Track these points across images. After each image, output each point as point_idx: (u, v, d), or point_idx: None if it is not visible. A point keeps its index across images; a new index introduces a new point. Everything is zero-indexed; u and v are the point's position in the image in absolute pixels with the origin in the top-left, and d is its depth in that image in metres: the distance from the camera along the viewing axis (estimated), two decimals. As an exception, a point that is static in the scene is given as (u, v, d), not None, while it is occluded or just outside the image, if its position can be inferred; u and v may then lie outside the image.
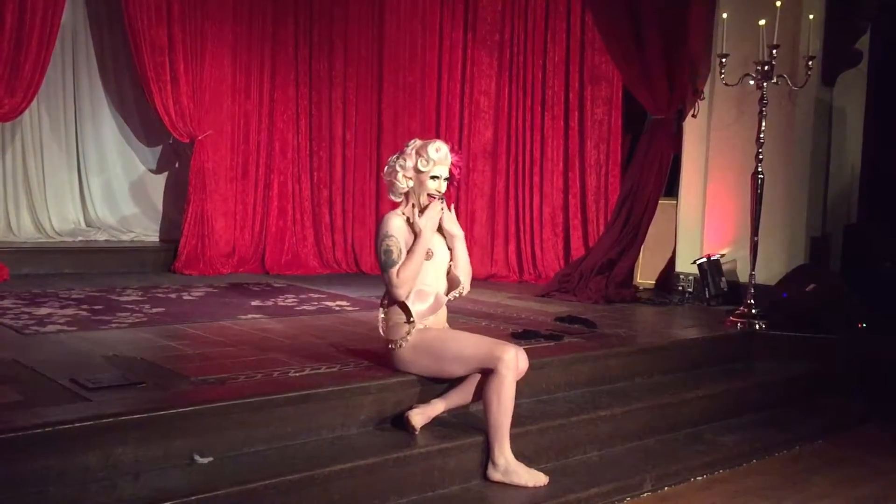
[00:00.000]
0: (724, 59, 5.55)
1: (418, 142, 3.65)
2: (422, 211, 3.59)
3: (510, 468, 3.43)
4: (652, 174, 6.52)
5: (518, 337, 4.61)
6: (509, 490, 3.40)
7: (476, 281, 7.16)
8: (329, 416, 3.37)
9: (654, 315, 5.97)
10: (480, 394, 3.55)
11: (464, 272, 3.72)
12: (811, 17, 5.70)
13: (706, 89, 6.45)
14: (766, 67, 5.41)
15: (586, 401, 4.15)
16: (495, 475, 3.44)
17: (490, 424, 3.45)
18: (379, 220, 3.73)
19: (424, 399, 3.62)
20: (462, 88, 7.68)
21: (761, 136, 5.51)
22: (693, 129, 6.58)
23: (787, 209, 6.13)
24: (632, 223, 6.56)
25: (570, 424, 3.87)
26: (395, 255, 3.51)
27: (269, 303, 5.64)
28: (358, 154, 7.79)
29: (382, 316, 3.63)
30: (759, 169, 5.52)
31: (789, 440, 4.44)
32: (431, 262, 3.61)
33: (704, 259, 6.30)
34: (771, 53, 5.37)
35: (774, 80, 5.47)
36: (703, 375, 4.82)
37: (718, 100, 6.40)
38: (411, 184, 3.61)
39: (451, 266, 3.73)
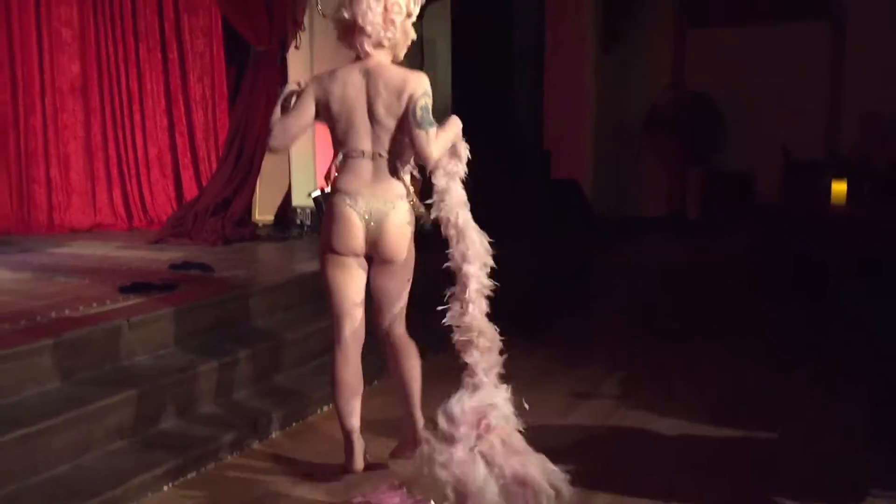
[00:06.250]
0: (319, -10, 5.55)
1: None
2: None
3: None
4: (260, 108, 6.37)
5: (126, 291, 4.25)
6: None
7: (79, 233, 6.59)
8: None
9: (274, 251, 5.93)
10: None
11: None
12: (397, -50, 5.90)
13: (306, 20, 6.42)
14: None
15: (207, 350, 3.98)
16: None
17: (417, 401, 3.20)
18: (405, 76, 3.02)
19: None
20: (37, 16, 6.71)
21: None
22: (297, 62, 6.54)
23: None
24: (244, 160, 6.40)
25: (189, 378, 3.70)
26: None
27: None
28: None
29: (406, 191, 3.08)
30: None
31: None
32: None
33: (319, 192, 6.37)
34: (362, -15, 5.45)
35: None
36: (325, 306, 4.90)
37: (319, 31, 6.41)
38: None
39: None
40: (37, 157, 6.70)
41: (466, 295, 3.00)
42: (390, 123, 3.01)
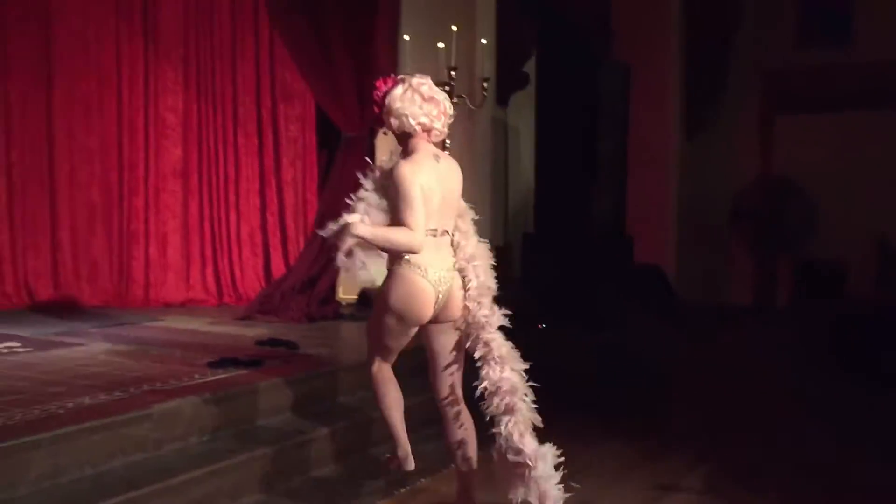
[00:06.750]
0: (408, 79, 5.77)
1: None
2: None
3: None
4: (348, 190, 6.53)
5: (214, 366, 4.39)
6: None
7: (172, 308, 6.84)
8: (-10, 479, 2.95)
9: (356, 330, 5.99)
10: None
11: None
12: (484, 41, 6.13)
13: (395, 107, 6.66)
14: (446, 88, 5.71)
15: (292, 425, 4.06)
16: None
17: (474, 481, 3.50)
18: (456, 165, 3.46)
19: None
20: (146, 103, 7.18)
21: (446, 152, 5.80)
22: (385, 146, 6.74)
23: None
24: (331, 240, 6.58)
25: (275, 453, 3.76)
26: None
27: (-83, 351, 4.83)
28: (27, 176, 6.93)
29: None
30: (447, 184, 5.81)
31: (484, 439, 4.67)
32: None
33: (401, 272, 6.48)
34: (450, 75, 5.68)
35: (454, 100, 5.77)
36: (404, 386, 4.92)
37: (406, 118, 6.64)
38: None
39: None
40: (138, 236, 7.06)
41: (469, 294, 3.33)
42: (455, 204, 3.38)
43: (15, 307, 6.69)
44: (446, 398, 3.45)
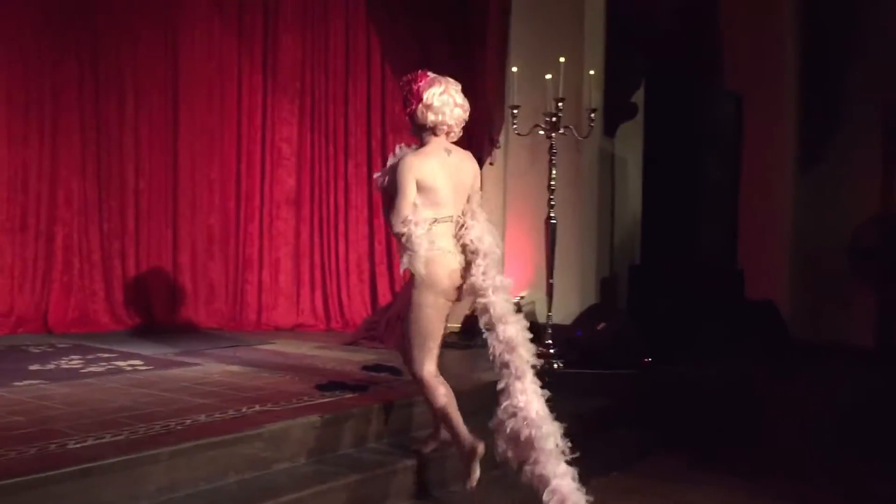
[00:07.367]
0: (515, 111, 5.83)
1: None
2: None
3: None
4: (453, 220, 6.68)
5: (323, 389, 4.51)
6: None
7: (282, 331, 7.07)
8: (113, 490, 3.11)
9: (458, 359, 6.04)
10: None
11: None
12: (592, 72, 6.12)
13: (501, 138, 6.73)
14: (553, 119, 5.74)
15: (394, 451, 4.11)
16: None
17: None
18: (472, 161, 3.88)
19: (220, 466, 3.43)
20: (263, 135, 7.53)
21: (552, 182, 5.82)
22: (491, 177, 6.83)
23: (578, 252, 6.48)
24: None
25: (376, 477, 3.82)
26: None
27: (51, 366, 5.16)
28: (153, 202, 7.38)
29: None
30: (552, 214, 5.82)
31: (585, 474, 4.58)
32: None
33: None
34: (557, 106, 5.70)
35: (562, 131, 5.80)
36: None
37: (513, 148, 6.69)
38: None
39: None
40: (252, 261, 7.36)
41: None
42: (466, 194, 3.74)
43: (137, 326, 7.08)
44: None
